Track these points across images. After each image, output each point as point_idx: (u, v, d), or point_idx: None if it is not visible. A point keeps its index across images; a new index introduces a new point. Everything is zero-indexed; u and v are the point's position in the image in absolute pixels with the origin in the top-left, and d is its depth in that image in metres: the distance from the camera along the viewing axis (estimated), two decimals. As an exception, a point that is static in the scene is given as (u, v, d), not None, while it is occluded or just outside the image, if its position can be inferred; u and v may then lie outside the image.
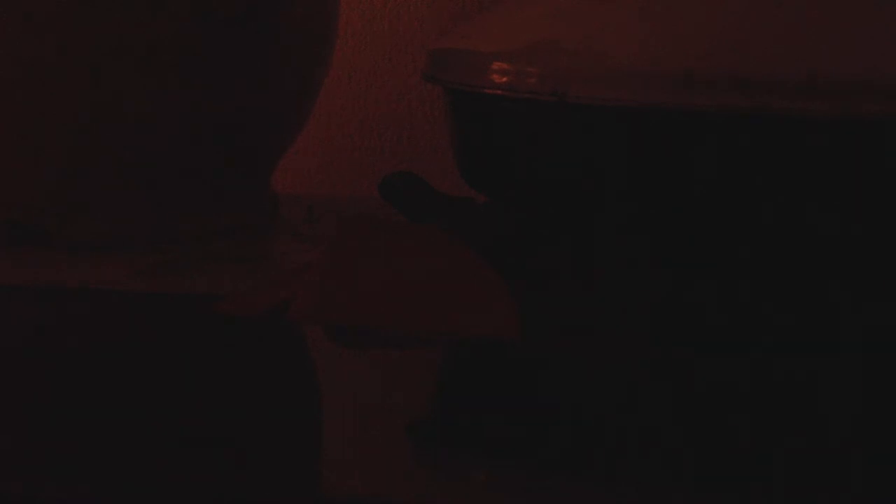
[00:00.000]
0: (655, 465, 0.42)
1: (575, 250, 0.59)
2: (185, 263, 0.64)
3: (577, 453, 0.43)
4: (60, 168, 0.66)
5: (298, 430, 0.46)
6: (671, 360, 0.51)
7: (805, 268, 0.54)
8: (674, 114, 0.54)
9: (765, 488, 0.41)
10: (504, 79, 0.58)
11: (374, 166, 0.90)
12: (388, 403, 0.48)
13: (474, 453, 0.44)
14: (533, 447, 0.44)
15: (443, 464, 0.43)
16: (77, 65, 0.64)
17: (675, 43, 0.55)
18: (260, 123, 0.69)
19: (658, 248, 0.56)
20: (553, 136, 0.57)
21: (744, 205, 0.54)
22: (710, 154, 0.54)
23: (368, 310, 0.55)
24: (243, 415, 0.47)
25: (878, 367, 0.51)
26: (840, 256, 0.54)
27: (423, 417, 0.48)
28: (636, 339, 0.53)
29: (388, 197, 0.66)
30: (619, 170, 0.55)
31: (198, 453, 0.43)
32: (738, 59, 0.54)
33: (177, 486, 0.41)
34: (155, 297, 0.60)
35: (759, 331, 0.54)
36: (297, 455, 0.44)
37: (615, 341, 0.53)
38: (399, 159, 0.91)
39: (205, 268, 0.64)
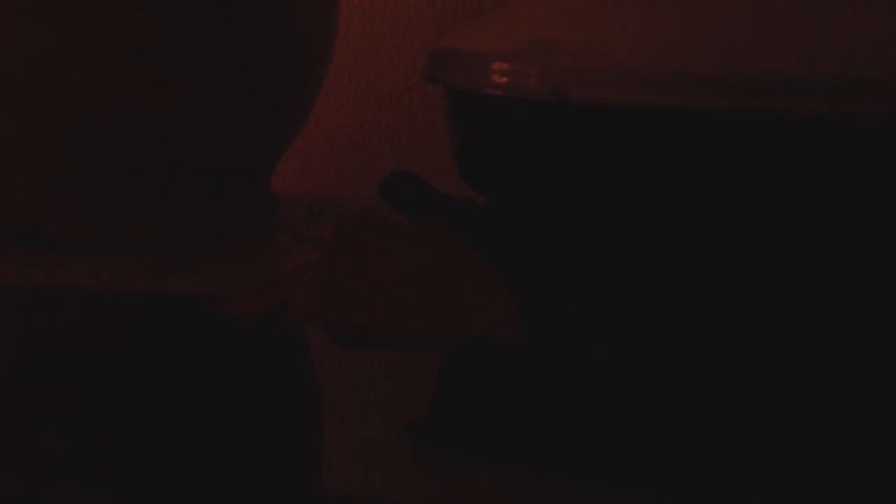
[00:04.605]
0: (656, 466, 0.42)
1: (575, 250, 0.59)
2: (185, 263, 0.64)
3: (576, 453, 0.43)
4: (61, 168, 0.66)
5: (298, 431, 0.46)
6: (672, 360, 0.51)
7: (804, 266, 0.54)
8: (674, 114, 0.54)
9: (765, 490, 0.41)
10: (504, 79, 0.58)
11: (374, 166, 0.90)
12: (388, 403, 0.48)
13: (474, 453, 0.44)
14: (533, 447, 0.44)
15: (443, 464, 0.43)
16: (77, 65, 0.64)
17: (676, 43, 0.55)
18: (260, 123, 0.69)
19: (658, 247, 0.56)
20: (553, 136, 0.57)
21: (745, 204, 0.54)
22: (710, 154, 0.54)
23: (368, 310, 0.55)
24: (243, 415, 0.47)
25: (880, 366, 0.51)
26: (839, 254, 0.54)
27: (423, 417, 0.48)
28: (637, 338, 0.53)
29: (388, 197, 0.66)
30: (619, 170, 0.55)
31: (197, 453, 0.43)
32: (739, 59, 0.54)
33: (176, 487, 0.41)
34: (155, 297, 0.60)
35: (759, 327, 0.54)
36: (296, 455, 0.44)
37: (615, 341, 0.53)
38: (399, 159, 0.91)
39: (205, 268, 0.64)
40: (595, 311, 0.56)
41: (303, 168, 0.91)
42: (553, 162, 0.58)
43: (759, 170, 0.53)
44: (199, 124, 0.66)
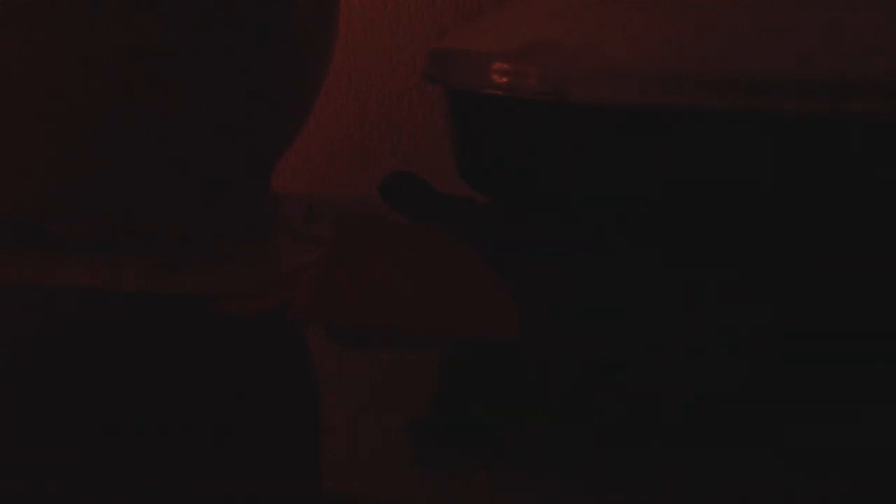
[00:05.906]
0: (656, 465, 0.42)
1: (574, 250, 0.59)
2: (185, 263, 0.64)
3: (576, 453, 0.43)
4: (61, 168, 0.66)
5: (298, 430, 0.46)
6: (672, 360, 0.51)
7: (804, 266, 0.54)
8: (674, 114, 0.54)
9: (766, 489, 0.41)
10: (504, 79, 0.58)
11: (374, 166, 0.90)
12: (388, 403, 0.48)
13: (474, 453, 0.44)
14: (533, 447, 0.44)
15: (443, 464, 0.43)
16: (77, 65, 0.64)
17: (676, 43, 0.55)
18: (259, 124, 0.69)
19: (658, 247, 0.56)
20: (553, 136, 0.57)
21: (745, 204, 0.54)
22: (710, 154, 0.54)
23: (368, 310, 0.55)
24: (243, 415, 0.47)
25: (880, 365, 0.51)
26: (839, 254, 0.54)
27: (423, 417, 0.48)
28: (637, 337, 0.54)
29: (388, 197, 0.66)
30: (619, 170, 0.55)
31: (198, 453, 0.43)
32: (739, 59, 0.54)
33: (176, 487, 0.41)
34: (155, 297, 0.60)
35: (760, 328, 0.54)
36: (296, 455, 0.44)
37: (615, 340, 0.53)
38: (399, 159, 0.91)
39: (205, 268, 0.64)
40: (595, 311, 0.56)
41: (303, 168, 0.91)
42: (552, 162, 0.58)
43: (758, 170, 0.53)
44: (199, 124, 0.66)
